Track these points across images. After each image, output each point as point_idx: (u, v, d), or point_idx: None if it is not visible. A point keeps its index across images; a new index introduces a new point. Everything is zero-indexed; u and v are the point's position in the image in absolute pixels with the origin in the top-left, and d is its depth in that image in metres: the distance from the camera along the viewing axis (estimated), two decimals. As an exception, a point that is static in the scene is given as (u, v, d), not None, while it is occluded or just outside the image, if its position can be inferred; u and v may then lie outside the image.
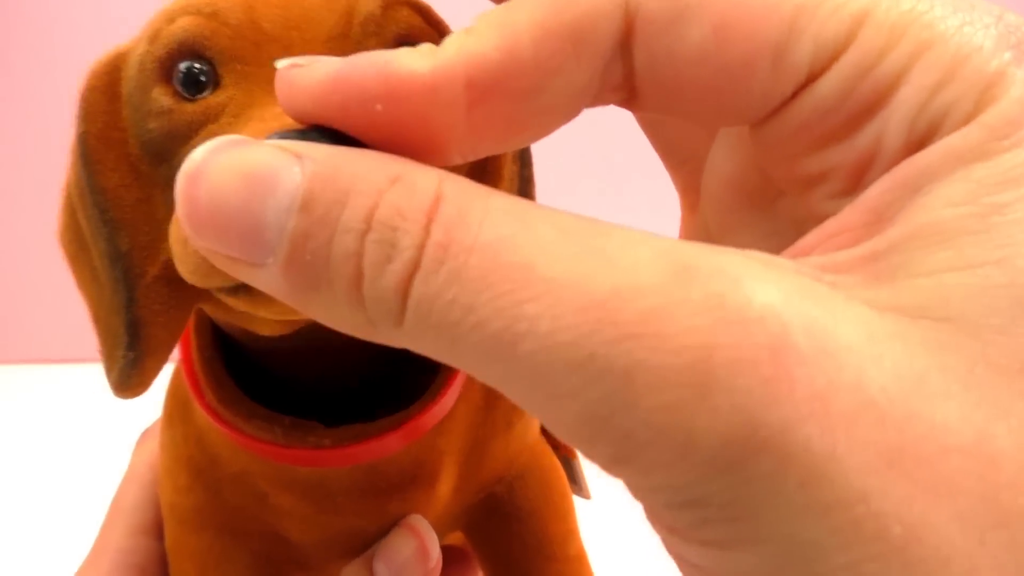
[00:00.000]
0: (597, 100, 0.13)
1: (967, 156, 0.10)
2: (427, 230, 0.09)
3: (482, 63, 0.10)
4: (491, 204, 0.10)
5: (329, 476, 0.19)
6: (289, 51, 0.15)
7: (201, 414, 0.19)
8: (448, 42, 0.11)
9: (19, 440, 0.58)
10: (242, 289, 0.14)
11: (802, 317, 0.09)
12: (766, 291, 0.09)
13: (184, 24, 0.15)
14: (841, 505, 0.08)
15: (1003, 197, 0.09)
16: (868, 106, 0.11)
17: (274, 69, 0.12)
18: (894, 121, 0.11)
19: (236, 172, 0.10)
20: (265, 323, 0.17)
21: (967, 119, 0.10)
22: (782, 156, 0.12)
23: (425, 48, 0.11)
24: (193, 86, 0.16)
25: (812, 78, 0.11)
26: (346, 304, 0.10)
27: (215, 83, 0.16)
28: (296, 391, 0.19)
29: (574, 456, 0.25)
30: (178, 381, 0.21)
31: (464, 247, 0.09)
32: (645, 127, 0.16)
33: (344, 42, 0.16)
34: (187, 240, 0.12)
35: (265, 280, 0.10)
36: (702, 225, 0.15)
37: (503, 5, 0.11)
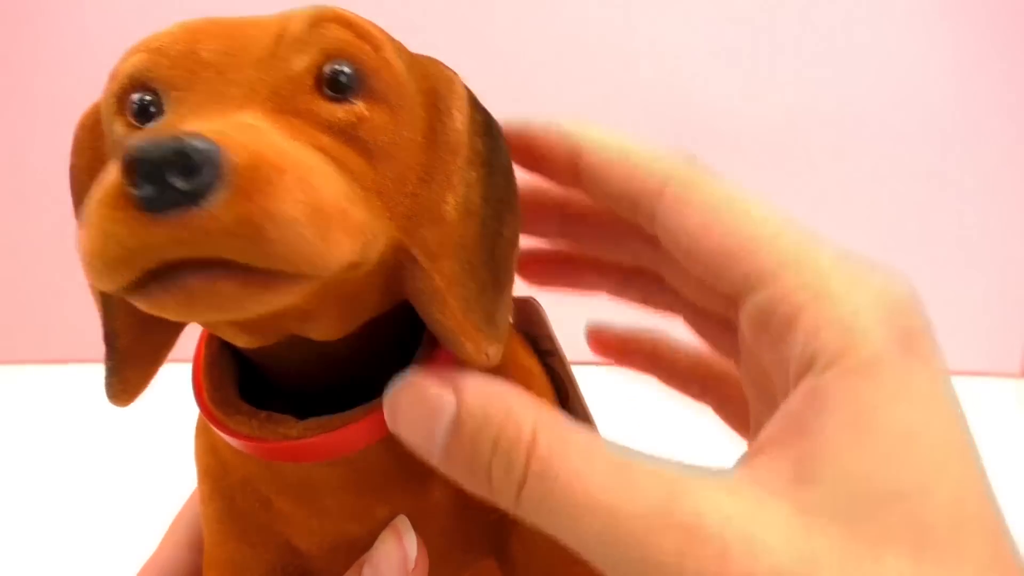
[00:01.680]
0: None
1: (841, 392, 0.15)
2: (528, 461, 0.16)
3: None
4: (569, 440, 0.16)
5: (313, 475, 0.20)
6: (222, 74, 0.16)
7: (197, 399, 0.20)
8: None
9: (19, 440, 0.58)
10: (155, 283, 0.14)
11: (741, 532, 0.14)
12: (720, 517, 0.14)
13: (134, 61, 0.17)
14: None
15: (872, 423, 0.15)
16: (781, 331, 0.16)
17: (212, 95, 0.16)
18: (796, 346, 0.16)
19: (418, 402, 0.17)
20: (233, 334, 0.18)
21: (837, 357, 0.15)
22: (761, 344, 0.18)
23: None
24: (143, 115, 0.17)
25: (750, 292, 0.17)
26: (480, 488, 0.17)
27: (160, 112, 0.17)
28: (299, 394, 0.20)
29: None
30: None
31: (550, 476, 0.15)
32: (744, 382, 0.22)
33: (272, 62, 0.17)
34: (88, 222, 0.14)
35: (435, 460, 0.17)
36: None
37: None
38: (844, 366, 0.15)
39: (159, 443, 0.59)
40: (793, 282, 0.16)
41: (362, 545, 0.20)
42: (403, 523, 0.20)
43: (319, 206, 0.15)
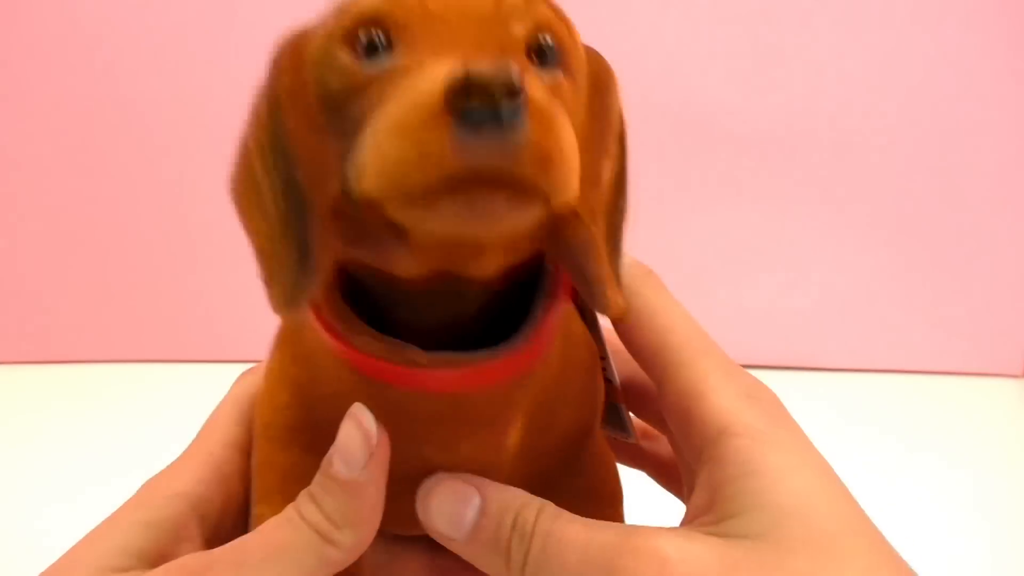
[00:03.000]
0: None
1: (734, 457, 0.21)
2: (534, 530, 0.21)
3: None
4: (562, 515, 0.21)
5: (418, 402, 0.21)
6: (452, 27, 0.18)
7: (312, 337, 0.22)
8: None
9: (19, 440, 0.58)
10: (448, 198, 0.16)
11: (678, 549, 0.19)
12: (662, 542, 0.20)
13: (369, 1, 0.19)
14: None
15: (760, 471, 0.21)
16: (683, 423, 0.23)
17: (439, 39, 0.18)
18: (694, 434, 0.23)
19: (449, 494, 0.22)
20: (406, 265, 0.19)
21: (725, 436, 0.22)
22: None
23: None
24: (372, 50, 0.19)
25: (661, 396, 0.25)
26: (497, 559, 0.21)
27: (388, 49, 0.18)
28: (407, 332, 0.21)
29: (622, 402, 0.28)
30: None
31: (550, 536, 0.21)
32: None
33: (492, 23, 0.19)
34: (400, 129, 0.16)
35: (457, 545, 0.22)
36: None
37: None
38: (733, 442, 0.21)
39: (159, 443, 0.59)
40: (682, 386, 0.23)
41: (428, 466, 0.22)
42: (360, 409, 0.21)
43: (574, 149, 0.17)
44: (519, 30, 0.19)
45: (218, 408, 0.27)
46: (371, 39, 0.18)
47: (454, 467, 0.22)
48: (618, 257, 0.22)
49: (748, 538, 0.19)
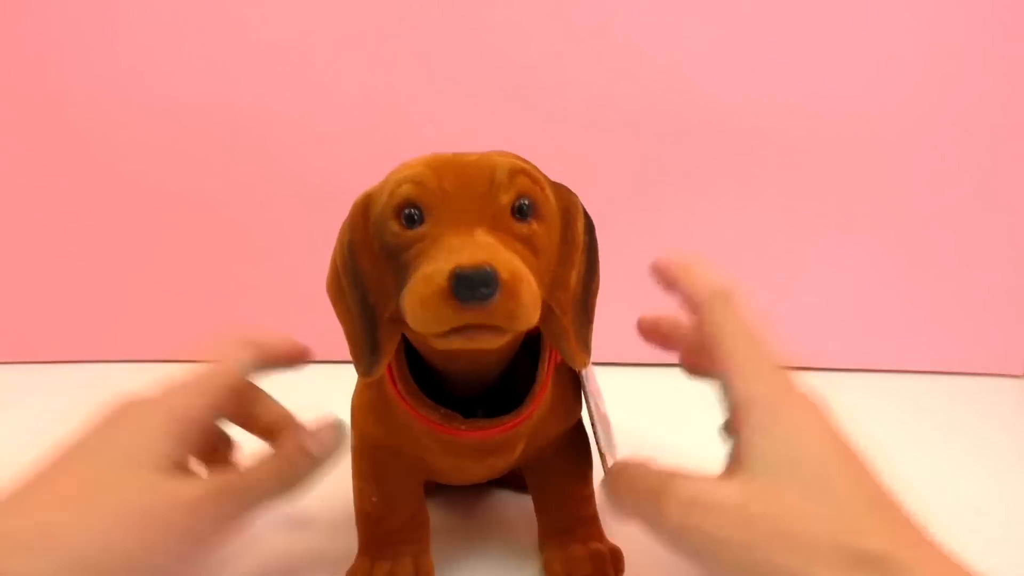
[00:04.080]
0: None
1: (758, 421, 0.29)
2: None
3: None
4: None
5: (460, 442, 0.35)
6: (460, 203, 0.30)
7: (390, 390, 0.36)
8: None
9: (19, 440, 0.58)
10: (454, 334, 0.28)
11: (704, 488, 0.28)
12: (691, 482, 0.28)
13: (406, 190, 0.30)
14: None
15: (775, 432, 0.28)
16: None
17: (453, 212, 0.30)
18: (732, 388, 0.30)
19: (628, 483, 0.31)
20: (440, 345, 0.30)
21: (756, 403, 0.29)
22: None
23: None
24: (410, 222, 0.30)
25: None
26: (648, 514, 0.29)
27: (422, 221, 0.30)
28: (447, 390, 0.36)
29: (594, 425, 0.39)
30: None
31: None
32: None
33: (487, 197, 0.30)
34: (423, 302, 0.27)
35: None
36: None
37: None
38: (751, 411, 0.29)
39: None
40: (732, 390, 0.30)
41: (469, 470, 0.38)
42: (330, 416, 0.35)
43: (534, 295, 0.28)
44: (505, 199, 0.30)
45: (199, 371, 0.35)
46: (410, 215, 0.30)
47: (482, 472, 0.38)
48: (588, 325, 0.34)
49: (757, 481, 0.27)
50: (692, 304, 0.33)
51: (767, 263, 0.74)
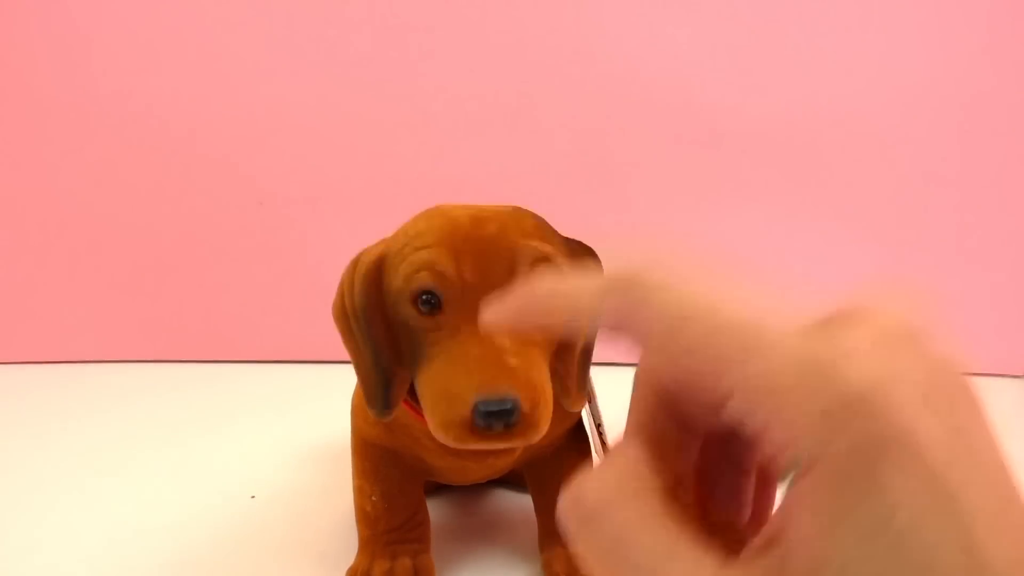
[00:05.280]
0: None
1: (804, 501, 0.17)
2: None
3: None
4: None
5: (464, 451, 0.34)
6: (480, 292, 0.30)
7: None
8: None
9: (19, 440, 0.58)
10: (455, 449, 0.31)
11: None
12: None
13: (424, 277, 0.31)
14: None
15: (823, 550, 0.16)
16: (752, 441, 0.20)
17: (472, 303, 0.29)
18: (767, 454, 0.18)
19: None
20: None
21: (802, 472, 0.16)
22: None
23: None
24: (427, 307, 0.31)
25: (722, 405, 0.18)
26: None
27: (440, 308, 0.31)
28: None
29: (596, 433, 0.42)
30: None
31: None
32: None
33: (507, 289, 0.30)
34: (445, 426, 0.29)
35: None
36: None
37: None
38: (807, 483, 0.16)
39: (159, 442, 0.59)
40: (753, 397, 0.17)
41: (469, 470, 0.39)
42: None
43: (549, 411, 0.30)
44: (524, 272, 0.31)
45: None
46: (428, 303, 0.31)
47: (483, 472, 0.39)
48: (587, 371, 0.36)
49: (763, 567, 0.17)
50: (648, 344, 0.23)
51: (767, 263, 0.74)
